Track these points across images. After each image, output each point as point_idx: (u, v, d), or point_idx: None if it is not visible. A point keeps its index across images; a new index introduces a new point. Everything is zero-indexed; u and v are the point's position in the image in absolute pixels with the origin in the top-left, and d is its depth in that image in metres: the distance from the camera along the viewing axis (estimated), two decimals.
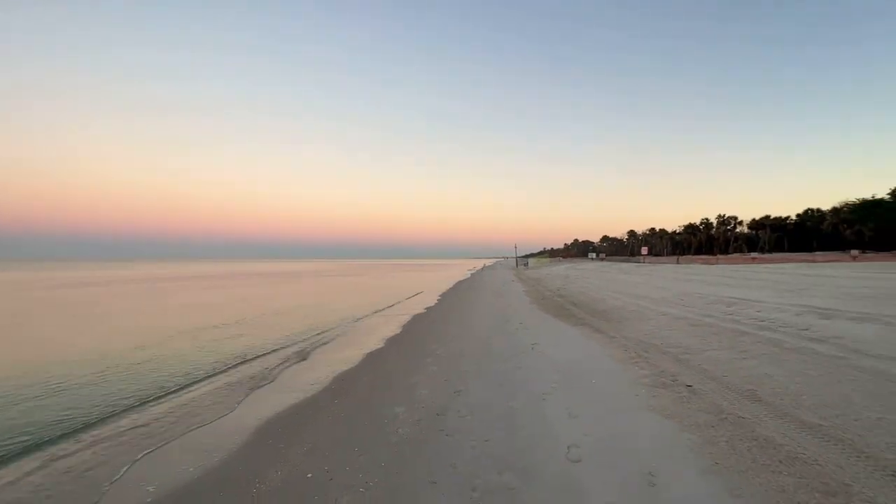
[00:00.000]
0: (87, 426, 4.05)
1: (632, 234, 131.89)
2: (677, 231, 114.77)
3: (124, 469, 3.10)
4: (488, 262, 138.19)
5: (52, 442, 3.71)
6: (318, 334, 8.73)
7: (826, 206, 75.51)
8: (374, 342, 7.43)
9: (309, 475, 2.83)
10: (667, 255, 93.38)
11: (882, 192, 56.02)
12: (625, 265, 34.19)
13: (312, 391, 4.77)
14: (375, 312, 12.19)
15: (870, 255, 51.18)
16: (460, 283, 25.04)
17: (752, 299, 7.93)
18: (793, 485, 2.19)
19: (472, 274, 37.24)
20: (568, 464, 2.67)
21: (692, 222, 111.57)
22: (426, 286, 23.59)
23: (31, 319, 12.21)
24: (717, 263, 35.01)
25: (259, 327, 9.87)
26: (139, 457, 3.30)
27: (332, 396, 4.52)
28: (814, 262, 33.74)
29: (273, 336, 8.51)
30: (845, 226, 67.34)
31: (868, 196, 58.99)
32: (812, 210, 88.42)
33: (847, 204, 65.05)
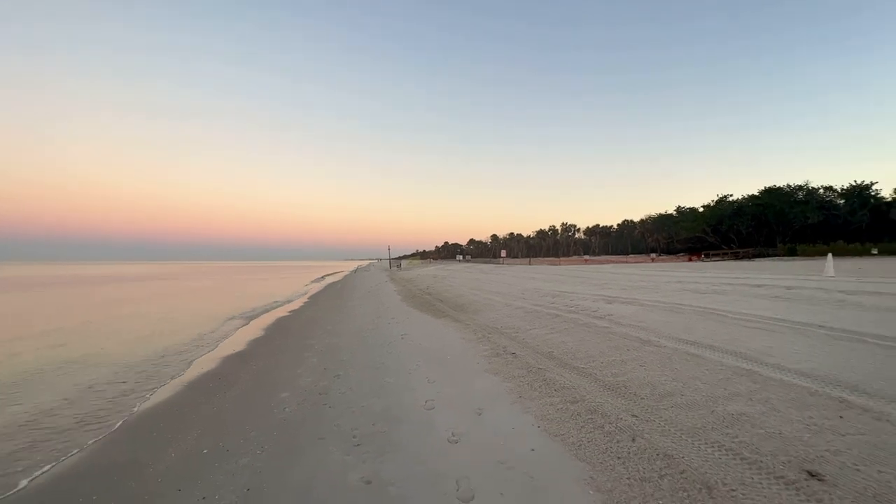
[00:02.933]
0: None
1: (494, 238, 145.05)
2: (531, 236, 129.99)
3: None
4: (362, 263, 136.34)
5: None
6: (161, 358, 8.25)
7: (637, 218, 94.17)
8: (241, 346, 7.48)
9: (205, 451, 3.22)
10: (522, 257, 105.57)
11: (671, 209, 72.67)
12: (486, 266, 38.05)
13: (180, 387, 4.88)
14: (236, 316, 11.74)
15: (663, 257, 66.12)
16: (332, 285, 24.89)
17: (571, 292, 10.26)
18: (559, 400, 3.52)
19: (344, 276, 36.91)
20: (425, 411, 3.63)
21: (542, 228, 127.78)
22: (293, 289, 22.86)
23: None
24: (559, 264, 41.44)
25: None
26: None
27: (212, 392, 4.74)
28: (626, 262, 42.43)
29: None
30: (648, 234, 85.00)
31: (663, 211, 75.75)
32: (628, 221, 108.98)
33: (650, 217, 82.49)
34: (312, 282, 28.66)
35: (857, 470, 2.15)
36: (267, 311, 12.63)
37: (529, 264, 45.34)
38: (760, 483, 2.14)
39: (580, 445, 2.76)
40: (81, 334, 8.98)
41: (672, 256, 62.80)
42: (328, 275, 39.05)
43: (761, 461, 2.32)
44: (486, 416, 3.42)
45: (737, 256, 46.18)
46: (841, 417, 2.69)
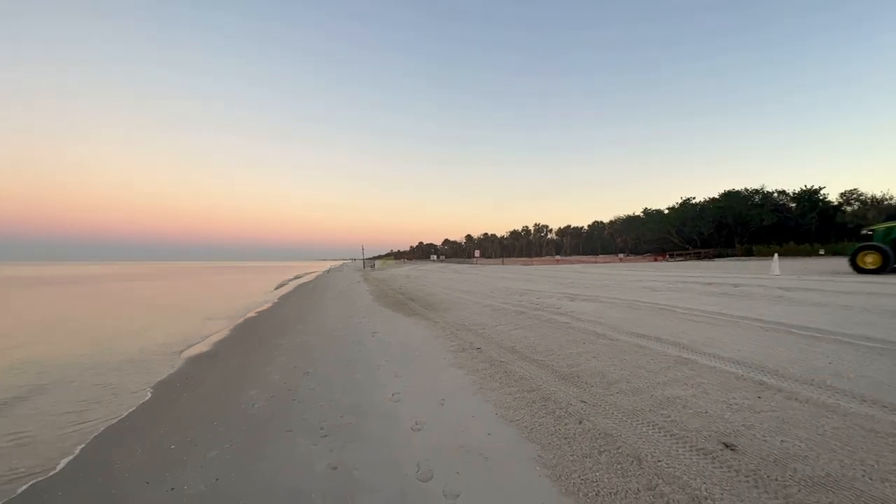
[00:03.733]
0: None
1: (469, 238, 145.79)
2: (505, 237, 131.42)
3: None
4: (335, 263, 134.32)
5: None
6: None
7: (606, 219, 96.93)
8: (208, 347, 7.43)
9: (172, 447, 3.29)
10: (496, 257, 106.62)
11: (638, 211, 75.21)
12: (459, 266, 38.42)
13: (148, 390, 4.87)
14: (206, 318, 11.53)
15: (631, 257, 68.37)
16: (303, 286, 24.59)
17: (538, 290, 10.63)
18: (517, 390, 3.76)
19: (316, 277, 36.41)
20: (391, 403, 3.81)
21: (516, 229, 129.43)
22: (262, 291, 22.47)
23: None
24: (532, 264, 42.29)
25: None
26: None
27: (179, 392, 4.75)
28: (595, 262, 43.73)
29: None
30: (617, 235, 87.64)
31: (631, 213, 78.31)
32: (598, 222, 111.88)
33: (618, 218, 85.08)
34: (279, 287, 28.19)
35: (765, 440, 2.48)
36: (237, 312, 12.44)
37: (503, 264, 46.04)
38: (683, 454, 2.44)
39: (532, 429, 3.01)
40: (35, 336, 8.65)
41: (639, 256, 65.13)
42: (298, 276, 38.28)
43: (686, 436, 2.63)
44: (449, 405, 3.63)
45: (699, 256, 48.39)
46: (759, 398, 3.05)
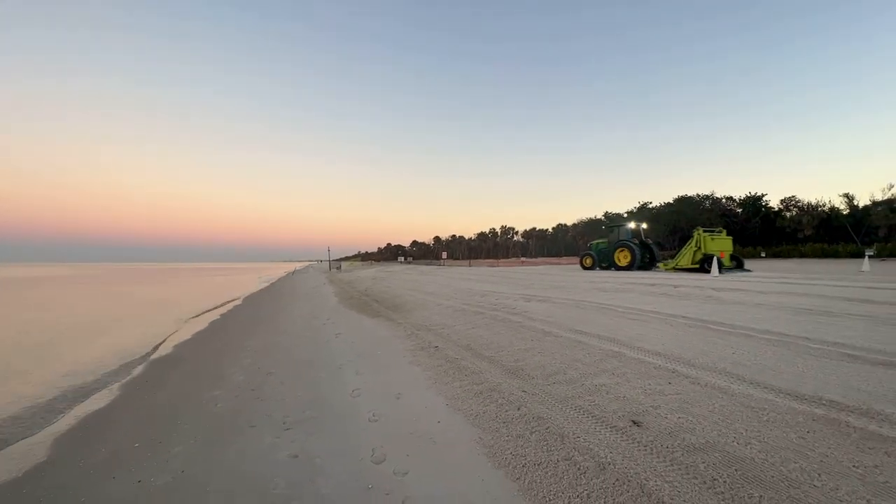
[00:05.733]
0: None
1: (437, 239, 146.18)
2: (472, 238, 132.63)
3: None
4: (299, 265, 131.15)
5: None
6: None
7: (570, 222, 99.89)
8: (170, 350, 7.39)
9: (136, 445, 3.43)
10: (463, 258, 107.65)
11: (600, 214, 78.09)
12: (426, 268, 38.71)
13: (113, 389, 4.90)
14: (168, 321, 11.28)
15: None
16: (267, 288, 24.15)
17: (498, 291, 11.13)
18: (468, 383, 4.14)
19: (279, 279, 35.67)
20: (351, 399, 4.08)
21: (483, 231, 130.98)
22: (219, 295, 21.93)
23: None
24: (498, 266, 43.15)
25: None
26: None
27: (140, 395, 4.81)
28: (559, 263, 45.15)
29: None
30: (580, 237, 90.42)
31: (593, 216, 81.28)
32: (562, 225, 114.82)
33: (581, 221, 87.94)
34: (230, 301, 27.53)
35: (666, 418, 2.96)
36: (196, 316, 12.21)
37: (469, 266, 46.69)
38: (599, 431, 2.88)
39: (477, 416, 3.38)
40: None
41: None
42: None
43: (604, 417, 3.08)
44: (404, 399, 3.95)
45: None
46: (669, 383, 3.56)
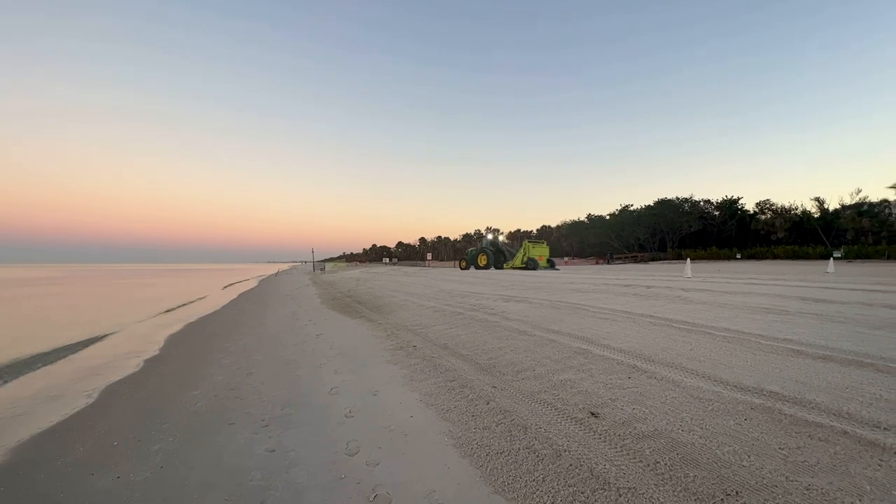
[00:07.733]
0: None
1: (422, 240, 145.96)
2: (458, 239, 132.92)
3: None
4: (283, 266, 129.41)
5: None
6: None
7: (554, 223, 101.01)
8: (153, 352, 7.39)
9: (115, 443, 3.50)
10: (449, 259, 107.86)
11: (583, 216, 79.41)
12: (410, 269, 38.74)
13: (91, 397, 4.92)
14: (143, 321, 11.16)
15: (576, 259, 71.74)
16: (251, 290, 23.93)
17: (478, 292, 11.34)
18: (442, 380, 4.31)
19: (260, 281, 35.27)
20: (328, 396, 4.22)
21: (468, 232, 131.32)
22: (204, 295, 21.67)
23: None
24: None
25: None
26: None
27: (119, 395, 4.85)
28: None
29: None
30: (563, 239, 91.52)
31: (576, 218, 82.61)
32: (546, 226, 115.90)
33: (565, 223, 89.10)
34: (221, 289, 27.20)
35: (622, 409, 3.19)
36: (167, 311, 12.10)
37: (454, 267, 46.91)
38: (560, 422, 3.09)
39: (448, 410, 3.56)
40: None
41: (583, 259, 68.66)
42: (238, 282, 36.24)
43: (566, 409, 3.29)
44: (380, 396, 4.11)
45: (636, 260, 52.08)
46: (629, 378, 3.80)
